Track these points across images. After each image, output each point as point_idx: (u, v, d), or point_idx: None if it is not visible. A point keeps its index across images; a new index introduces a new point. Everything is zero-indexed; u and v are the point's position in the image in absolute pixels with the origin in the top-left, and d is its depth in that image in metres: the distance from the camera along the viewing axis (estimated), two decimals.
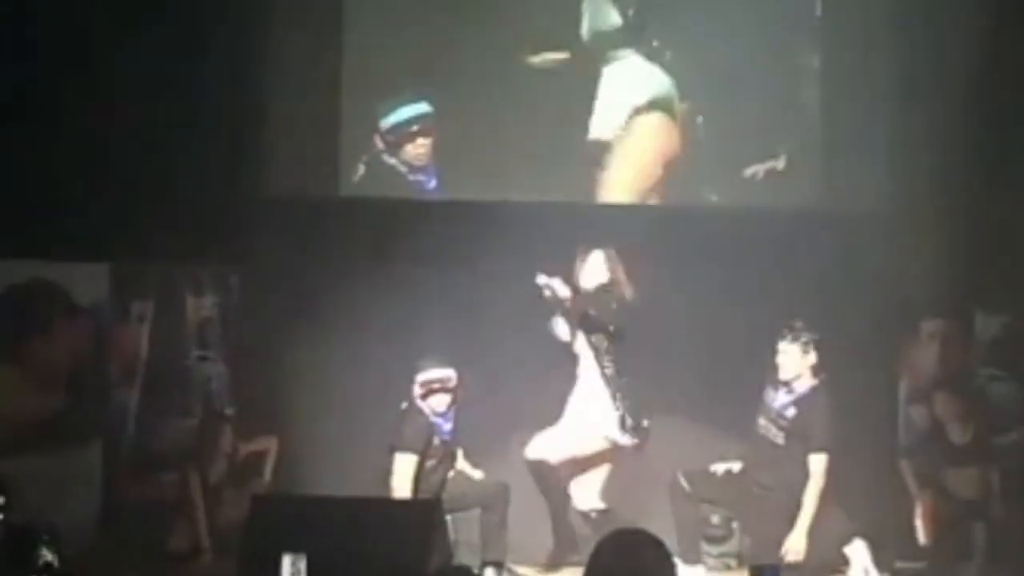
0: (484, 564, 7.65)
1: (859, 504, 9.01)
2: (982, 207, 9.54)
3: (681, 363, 9.04)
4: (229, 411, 9.72)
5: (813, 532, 8.65)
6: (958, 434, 9.61)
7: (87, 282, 9.55)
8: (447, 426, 9.07)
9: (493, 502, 8.99)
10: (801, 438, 8.74)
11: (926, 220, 9.64)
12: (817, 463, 8.69)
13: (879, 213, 9.87)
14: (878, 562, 8.78)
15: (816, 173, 10.15)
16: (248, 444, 9.74)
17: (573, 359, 9.31)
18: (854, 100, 9.97)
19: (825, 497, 8.68)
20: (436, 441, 9.04)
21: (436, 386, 9.03)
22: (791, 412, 8.81)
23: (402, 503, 8.59)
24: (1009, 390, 9.75)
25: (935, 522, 9.50)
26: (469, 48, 10.11)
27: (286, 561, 6.62)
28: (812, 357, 8.82)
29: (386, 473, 8.90)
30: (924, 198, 9.72)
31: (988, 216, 9.53)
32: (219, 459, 9.66)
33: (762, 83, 10.06)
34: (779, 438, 8.83)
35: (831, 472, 8.68)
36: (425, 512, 7.89)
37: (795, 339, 8.79)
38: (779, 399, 8.86)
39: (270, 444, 9.73)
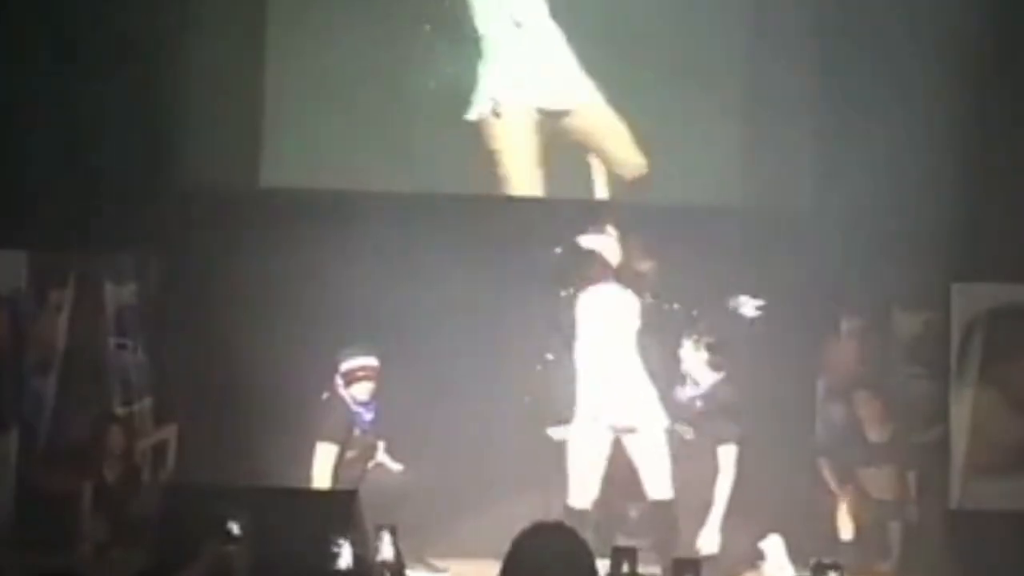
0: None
1: (775, 500, 9.05)
2: (901, 205, 9.60)
3: None
4: (146, 399, 9.66)
5: (727, 526, 8.69)
6: (876, 433, 9.66)
7: (5, 270, 9.47)
8: (368, 416, 9.06)
9: (412, 494, 8.97)
10: (709, 432, 8.79)
11: (845, 218, 9.70)
12: (726, 456, 8.74)
13: (798, 211, 9.93)
14: (794, 558, 8.82)
15: (736, 170, 10.19)
16: (147, 437, 9.67)
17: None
18: (775, 99, 10.02)
19: (740, 491, 8.72)
20: (356, 432, 9.03)
21: (360, 374, 9.06)
22: (698, 406, 8.87)
23: (319, 494, 8.56)
24: (928, 388, 9.80)
25: (855, 519, 9.55)
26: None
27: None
28: (714, 355, 8.87)
29: (306, 463, 8.87)
30: (843, 196, 9.77)
31: (907, 214, 9.59)
32: (115, 454, 9.54)
33: (684, 81, 10.09)
34: (688, 433, 8.87)
35: (747, 467, 8.72)
36: (342, 504, 7.85)
37: (696, 341, 8.85)
38: (686, 394, 8.92)
39: (170, 434, 9.68)
